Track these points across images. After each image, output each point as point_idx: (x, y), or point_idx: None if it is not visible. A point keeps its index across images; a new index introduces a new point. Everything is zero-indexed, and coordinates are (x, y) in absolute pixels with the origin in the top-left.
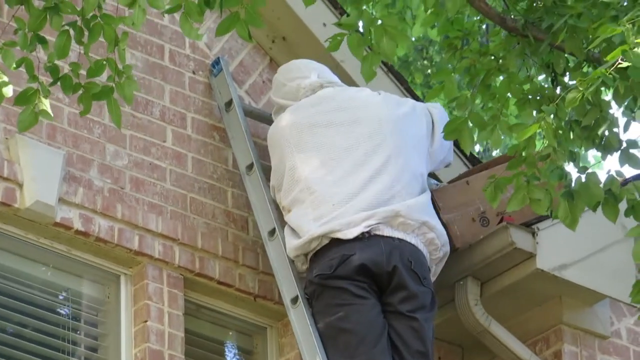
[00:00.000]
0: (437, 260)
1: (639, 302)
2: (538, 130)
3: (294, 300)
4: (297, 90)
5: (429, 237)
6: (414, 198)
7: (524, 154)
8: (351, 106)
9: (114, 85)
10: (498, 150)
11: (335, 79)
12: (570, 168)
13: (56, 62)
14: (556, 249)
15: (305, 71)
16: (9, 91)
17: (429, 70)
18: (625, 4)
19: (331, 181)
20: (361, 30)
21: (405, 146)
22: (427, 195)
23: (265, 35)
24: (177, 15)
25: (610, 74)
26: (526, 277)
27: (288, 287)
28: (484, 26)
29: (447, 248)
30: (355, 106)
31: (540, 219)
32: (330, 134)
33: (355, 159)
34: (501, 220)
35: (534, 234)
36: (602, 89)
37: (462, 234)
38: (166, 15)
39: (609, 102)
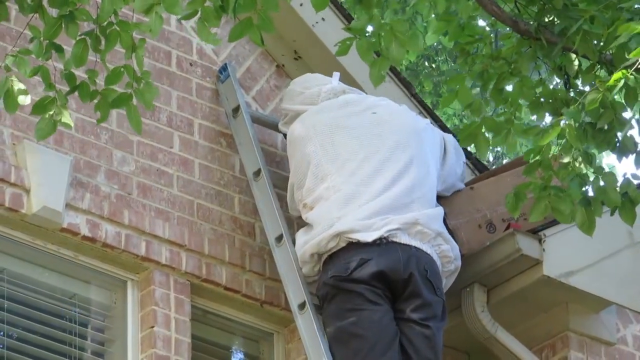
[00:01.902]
0: (448, 273)
1: None
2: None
3: (302, 306)
4: (317, 95)
5: (443, 249)
6: (432, 208)
7: (538, 157)
8: (377, 111)
9: (132, 91)
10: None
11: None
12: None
13: (72, 70)
14: (563, 255)
15: (324, 79)
16: (26, 99)
17: (436, 77)
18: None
19: (357, 181)
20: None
21: (427, 157)
22: (441, 209)
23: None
24: (184, 22)
25: (631, 74)
26: (533, 284)
27: (295, 292)
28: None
29: (459, 263)
30: (381, 112)
31: (547, 225)
32: (356, 135)
33: (380, 162)
34: (508, 227)
35: (540, 240)
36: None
37: (468, 240)
38: (173, 21)
39: (623, 105)
